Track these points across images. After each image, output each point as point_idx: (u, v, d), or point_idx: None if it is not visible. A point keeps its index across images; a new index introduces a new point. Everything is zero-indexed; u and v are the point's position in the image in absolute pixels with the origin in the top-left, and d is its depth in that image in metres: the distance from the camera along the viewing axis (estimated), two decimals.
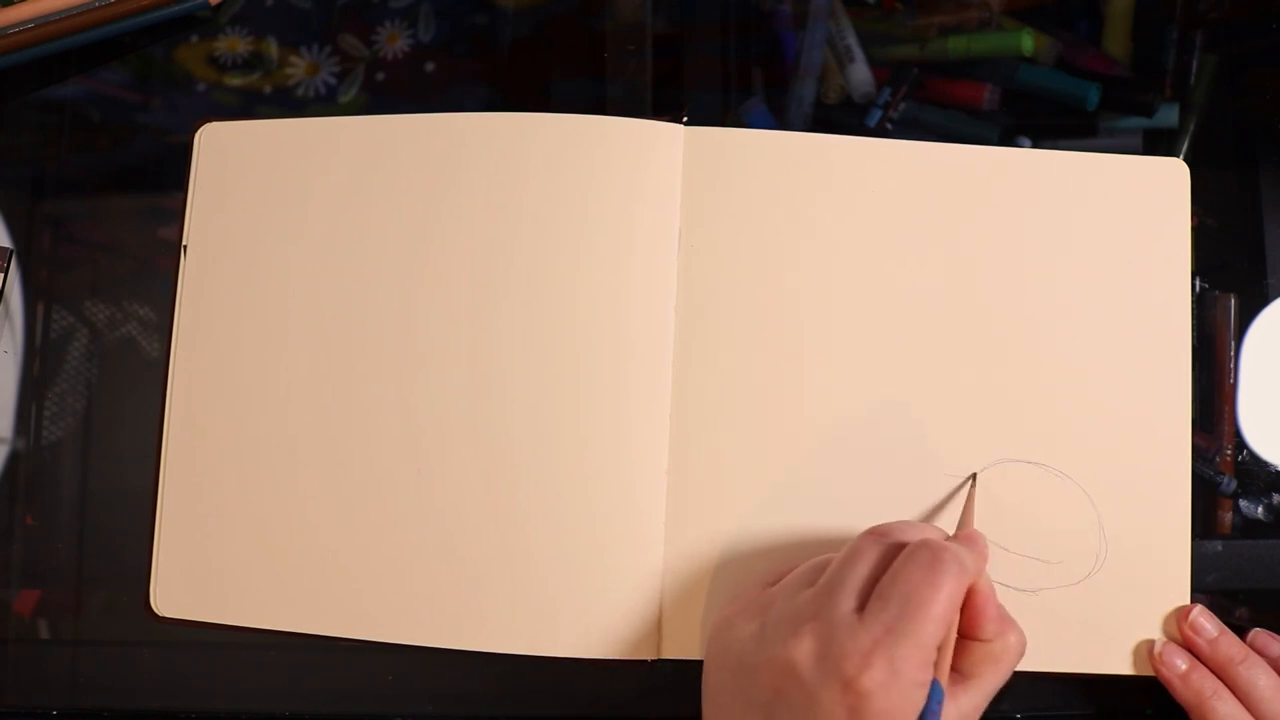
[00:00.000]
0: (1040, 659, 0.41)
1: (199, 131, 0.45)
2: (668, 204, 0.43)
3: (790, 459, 0.42)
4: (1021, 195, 0.43)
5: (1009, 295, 0.43)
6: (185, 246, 0.44)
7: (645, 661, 0.41)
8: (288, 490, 0.43)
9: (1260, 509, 0.44)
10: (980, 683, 0.35)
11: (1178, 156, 0.45)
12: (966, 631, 0.35)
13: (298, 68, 0.49)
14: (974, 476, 0.41)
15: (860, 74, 0.47)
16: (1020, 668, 0.40)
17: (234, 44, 0.49)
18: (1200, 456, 0.43)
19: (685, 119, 0.44)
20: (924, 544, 0.34)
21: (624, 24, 0.48)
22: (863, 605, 0.33)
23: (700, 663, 0.38)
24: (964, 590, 0.33)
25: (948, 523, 0.41)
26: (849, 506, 0.41)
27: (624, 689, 0.42)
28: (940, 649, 0.33)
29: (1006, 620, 0.36)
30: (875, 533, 0.36)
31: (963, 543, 0.36)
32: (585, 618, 0.41)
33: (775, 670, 0.33)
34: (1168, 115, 0.46)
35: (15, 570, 0.44)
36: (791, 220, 0.43)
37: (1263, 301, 0.45)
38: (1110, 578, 0.41)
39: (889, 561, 0.34)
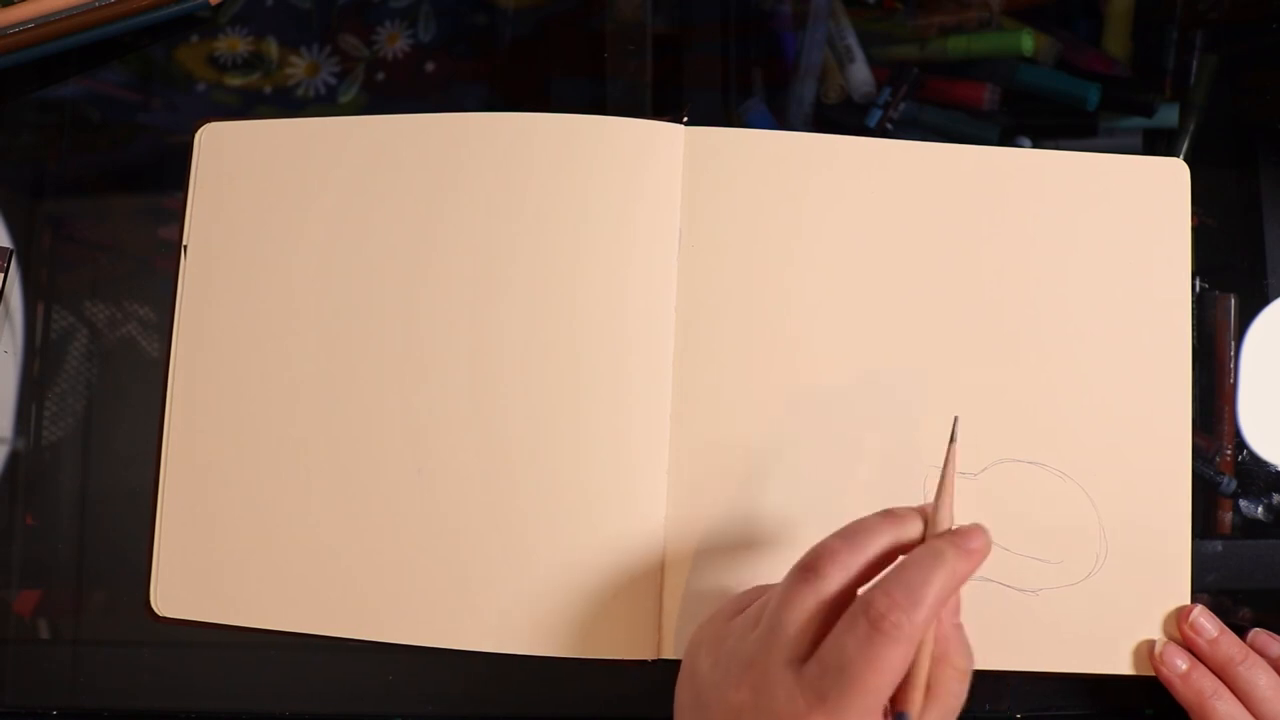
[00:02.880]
0: (1040, 659, 0.41)
1: (199, 131, 0.45)
2: (668, 204, 0.43)
3: (791, 458, 0.42)
4: (1021, 195, 0.43)
5: (1008, 295, 0.43)
6: (185, 246, 0.44)
7: (645, 661, 0.41)
8: (288, 490, 0.43)
9: (1260, 509, 0.43)
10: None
11: (1178, 156, 0.45)
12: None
13: (298, 68, 0.49)
14: (956, 422, 0.37)
15: (860, 74, 0.47)
16: (1020, 668, 0.40)
17: (234, 44, 0.49)
18: (1200, 456, 0.43)
19: (685, 119, 0.44)
20: (864, 610, 0.31)
21: (624, 24, 0.48)
22: (799, 656, 0.32)
23: None
24: (910, 653, 0.31)
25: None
26: (851, 506, 0.41)
27: (624, 689, 0.42)
28: (909, 687, 0.32)
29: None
30: (804, 569, 0.34)
31: (946, 540, 0.33)
32: (585, 617, 0.41)
33: (722, 712, 0.33)
34: (1168, 115, 0.46)
35: (15, 570, 0.44)
36: (791, 220, 0.43)
37: (1263, 301, 0.45)
38: (1110, 578, 0.41)
39: (821, 605, 0.33)
